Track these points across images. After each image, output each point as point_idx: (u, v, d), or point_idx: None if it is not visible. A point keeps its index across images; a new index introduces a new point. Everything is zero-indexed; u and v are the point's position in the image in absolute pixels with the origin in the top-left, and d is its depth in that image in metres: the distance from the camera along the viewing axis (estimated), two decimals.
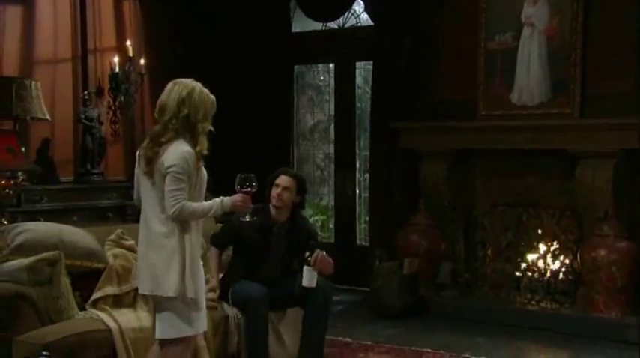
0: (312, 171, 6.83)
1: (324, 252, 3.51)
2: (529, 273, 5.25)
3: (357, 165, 6.41)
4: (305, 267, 3.42)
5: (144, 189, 2.84)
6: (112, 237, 3.76)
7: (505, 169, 5.37)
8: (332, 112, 6.60)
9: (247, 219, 3.00)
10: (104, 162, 5.64)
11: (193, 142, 2.78)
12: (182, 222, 2.76)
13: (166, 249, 2.75)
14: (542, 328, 4.83)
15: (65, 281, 3.33)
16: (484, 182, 5.51)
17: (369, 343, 4.53)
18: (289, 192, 3.61)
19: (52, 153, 5.38)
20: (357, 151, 6.41)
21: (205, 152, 2.81)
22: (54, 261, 3.28)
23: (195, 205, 2.75)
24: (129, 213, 5.50)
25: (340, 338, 4.52)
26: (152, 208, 2.79)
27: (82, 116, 5.46)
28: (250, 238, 3.60)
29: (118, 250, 3.69)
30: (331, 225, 6.69)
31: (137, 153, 2.91)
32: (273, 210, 3.64)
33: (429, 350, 4.36)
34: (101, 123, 5.56)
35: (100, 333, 3.21)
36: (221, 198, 2.86)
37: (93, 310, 3.39)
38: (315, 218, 6.90)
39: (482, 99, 5.36)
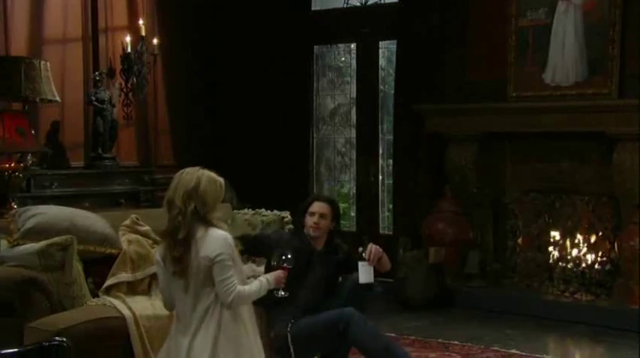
0: (332, 156, 6.81)
1: (376, 245, 3.47)
2: (562, 263, 5.21)
3: (380, 151, 6.39)
4: (360, 263, 3.41)
5: (176, 290, 2.88)
6: (127, 222, 3.77)
7: (537, 153, 5.33)
8: (353, 95, 6.56)
9: (281, 294, 3.14)
10: (116, 146, 5.68)
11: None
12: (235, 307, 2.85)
13: (214, 340, 2.80)
14: (576, 321, 4.80)
15: (77, 267, 3.35)
16: (515, 167, 5.47)
17: (393, 335, 4.52)
18: (325, 220, 3.59)
19: (61, 137, 5.42)
20: (380, 136, 6.38)
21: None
22: (66, 246, 3.30)
23: (247, 289, 2.87)
24: (142, 199, 5.55)
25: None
26: (190, 306, 2.83)
27: (93, 98, 5.49)
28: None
29: (132, 236, 3.70)
30: (353, 213, 6.67)
31: (157, 257, 2.95)
32: (311, 239, 3.61)
33: (455, 342, 4.35)
34: (113, 106, 5.59)
35: (114, 321, 3.22)
36: (265, 276, 3.01)
37: (106, 297, 3.41)
38: None
39: (513, 80, 5.30)
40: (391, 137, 6.20)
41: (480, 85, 5.42)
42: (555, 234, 5.31)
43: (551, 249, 5.31)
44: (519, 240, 5.48)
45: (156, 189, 5.93)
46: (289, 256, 3.10)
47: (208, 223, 2.82)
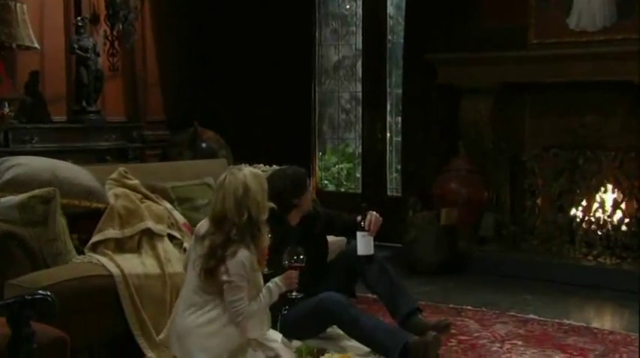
0: (336, 113, 6.80)
1: (375, 213, 3.47)
2: (585, 225, 5.21)
3: (388, 107, 6.36)
4: (359, 234, 3.41)
5: (189, 272, 3.03)
6: (114, 175, 3.77)
7: (559, 106, 5.29)
8: (359, 46, 6.51)
9: (294, 295, 3.17)
10: (101, 99, 5.64)
11: (255, 242, 2.93)
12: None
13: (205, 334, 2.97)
14: (599, 286, 4.81)
15: (61, 222, 3.35)
16: (535, 121, 5.44)
17: None
18: None
19: (41, 88, 5.38)
20: (388, 90, 6.35)
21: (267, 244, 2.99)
22: (48, 199, 3.29)
23: (256, 306, 2.97)
24: (130, 157, 5.54)
25: (369, 295, 4.51)
26: (193, 292, 3.00)
27: (75, 46, 5.43)
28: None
29: (120, 189, 3.70)
30: (358, 174, 6.67)
31: (195, 233, 3.07)
32: (295, 217, 3.60)
33: (469, 307, 4.37)
34: (97, 55, 5.53)
35: (102, 279, 3.24)
36: (274, 281, 3.06)
37: (92, 254, 3.42)
38: (340, 166, 6.89)
39: (534, 26, 5.25)
40: (400, 91, 6.16)
41: (497, 31, 5.36)
42: (578, 193, 5.31)
43: (573, 209, 5.31)
44: (539, 200, 5.47)
45: (145, 146, 5.91)
46: (301, 256, 3.12)
47: (257, 230, 2.91)
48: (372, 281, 3.58)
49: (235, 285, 2.90)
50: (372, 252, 3.44)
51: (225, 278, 2.89)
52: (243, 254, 2.90)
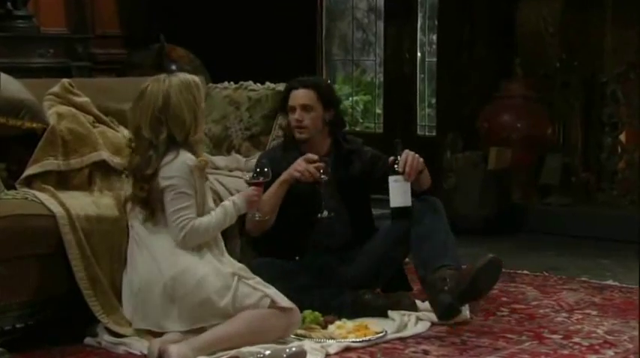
0: (350, 30, 6.84)
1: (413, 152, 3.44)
2: None
3: (419, 19, 6.37)
4: (391, 178, 3.39)
5: (143, 234, 3.22)
6: (55, 89, 3.76)
7: None
8: None
9: (257, 217, 3.36)
10: (33, 1, 5.66)
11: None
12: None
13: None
14: None
15: None
16: (617, 31, 5.45)
17: None
18: (311, 112, 3.61)
19: None
20: None
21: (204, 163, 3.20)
22: None
23: (205, 221, 3.14)
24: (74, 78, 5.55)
25: None
26: (163, 245, 3.17)
27: None
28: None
29: (64, 108, 3.69)
30: (379, 110, 6.71)
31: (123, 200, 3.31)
32: (302, 145, 3.65)
33: (525, 271, 4.42)
34: None
35: (40, 220, 3.26)
36: (231, 199, 3.26)
37: (27, 190, 3.44)
38: (356, 98, 6.91)
39: None
40: None
41: None
42: None
43: None
44: (622, 136, 5.51)
45: (95, 66, 5.93)
46: (264, 166, 3.28)
47: (188, 145, 3.12)
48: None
49: (179, 191, 3.07)
50: (408, 203, 3.40)
51: (165, 183, 3.06)
52: (185, 156, 3.08)
